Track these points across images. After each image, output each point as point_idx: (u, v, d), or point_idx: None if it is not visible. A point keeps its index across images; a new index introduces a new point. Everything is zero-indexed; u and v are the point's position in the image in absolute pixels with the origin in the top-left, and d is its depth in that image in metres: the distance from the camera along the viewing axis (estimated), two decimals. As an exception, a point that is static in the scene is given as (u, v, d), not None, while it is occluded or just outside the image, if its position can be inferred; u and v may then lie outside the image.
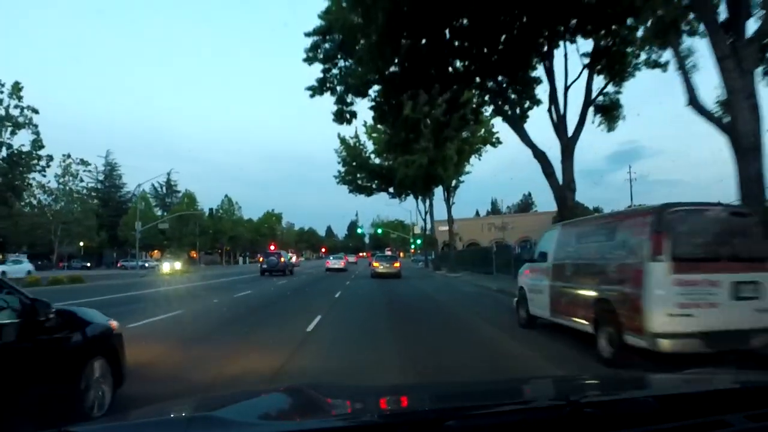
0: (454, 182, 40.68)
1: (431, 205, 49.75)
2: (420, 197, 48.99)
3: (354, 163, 45.81)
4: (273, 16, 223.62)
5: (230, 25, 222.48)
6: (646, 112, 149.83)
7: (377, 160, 44.58)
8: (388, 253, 77.53)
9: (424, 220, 52.60)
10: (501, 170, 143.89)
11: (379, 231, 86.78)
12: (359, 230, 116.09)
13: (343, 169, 46.86)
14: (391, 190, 47.13)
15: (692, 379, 2.32)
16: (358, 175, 47.40)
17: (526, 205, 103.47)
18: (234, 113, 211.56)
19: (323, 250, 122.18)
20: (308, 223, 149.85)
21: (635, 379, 2.50)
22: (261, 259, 40.68)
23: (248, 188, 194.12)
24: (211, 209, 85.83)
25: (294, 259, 63.59)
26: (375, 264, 31.81)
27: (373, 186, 48.27)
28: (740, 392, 1.81)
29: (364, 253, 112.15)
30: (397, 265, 31.63)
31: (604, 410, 1.49)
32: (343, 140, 44.73)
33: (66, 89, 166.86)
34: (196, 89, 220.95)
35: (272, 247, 55.74)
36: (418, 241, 55.60)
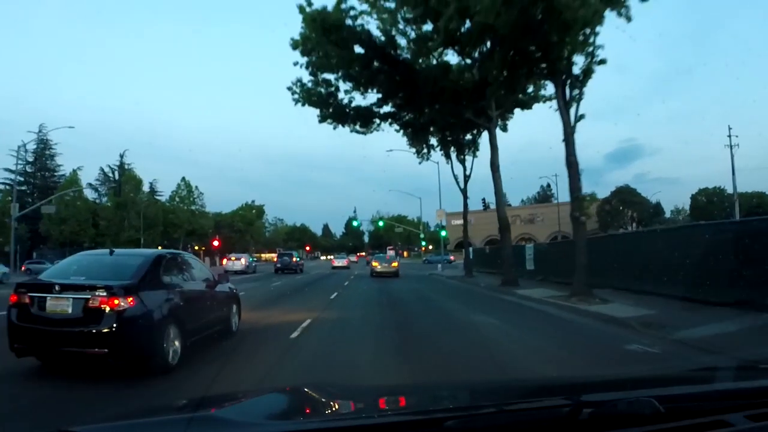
0: (581, 62, 15.37)
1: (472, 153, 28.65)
2: (458, 144, 28.14)
3: (331, 38, 20.02)
4: (272, 16, 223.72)
5: (230, 25, 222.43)
6: (646, 112, 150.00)
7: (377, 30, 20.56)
8: (391, 252, 73.93)
9: (464, 192, 29.60)
10: (505, 166, 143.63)
11: (381, 224, 71.16)
12: (354, 223, 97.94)
13: (307, 67, 21.78)
14: (402, 130, 26.87)
15: (692, 379, 2.32)
16: (338, 71, 22.06)
17: (544, 197, 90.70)
18: (234, 113, 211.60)
19: (307, 248, 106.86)
20: (308, 222, 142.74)
21: (635, 379, 2.50)
22: (224, 261, 43.41)
23: (248, 189, 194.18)
24: (172, 197, 70.23)
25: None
26: (374, 264, 33.18)
27: (375, 92, 23.28)
28: (740, 392, 1.80)
29: (364, 253, 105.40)
30: (395, 264, 33.15)
31: (604, 410, 1.49)
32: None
33: (64, 89, 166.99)
34: (195, 89, 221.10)
35: (216, 243, 53.95)
36: (443, 233, 40.92)
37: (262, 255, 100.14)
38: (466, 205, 30.79)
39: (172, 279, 6.95)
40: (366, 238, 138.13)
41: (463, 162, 29.19)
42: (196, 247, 72.24)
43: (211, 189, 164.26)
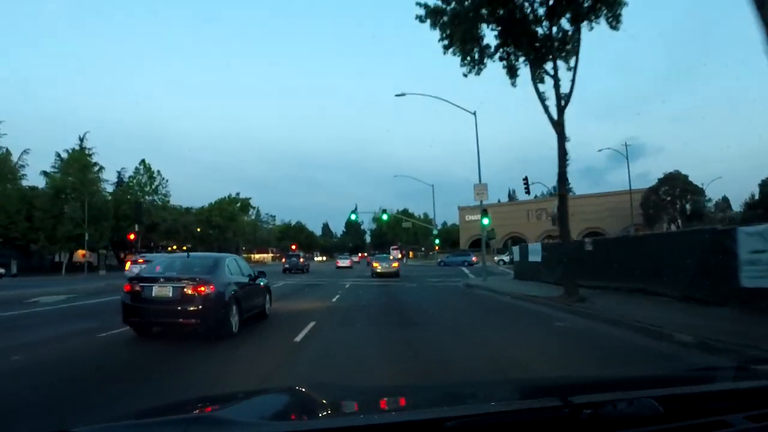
0: None
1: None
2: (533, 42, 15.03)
3: None
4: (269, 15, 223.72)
5: (231, 24, 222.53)
6: (647, 111, 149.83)
7: None
8: (395, 252, 69.95)
9: (559, 126, 14.55)
10: (510, 164, 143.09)
11: (385, 217, 57.37)
12: (353, 216, 68.52)
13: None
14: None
15: (692, 379, 2.32)
16: None
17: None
18: (233, 113, 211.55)
19: (293, 246, 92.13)
20: (307, 222, 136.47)
21: (635, 379, 2.50)
22: (127, 265, 34.94)
23: (249, 189, 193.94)
24: (120, 180, 58.14)
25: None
26: (375, 264, 33.75)
27: None
28: (740, 392, 1.80)
29: (366, 254, 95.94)
30: (395, 265, 33.67)
31: (604, 410, 1.49)
32: None
33: (65, 88, 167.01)
34: (195, 89, 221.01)
35: (132, 236, 39.22)
36: (485, 221, 25.45)
37: (253, 255, 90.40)
38: (562, 148, 14.74)
39: (231, 274, 9.83)
40: (368, 238, 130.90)
41: (555, 73, 14.67)
42: (175, 247, 59.87)
43: (210, 188, 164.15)
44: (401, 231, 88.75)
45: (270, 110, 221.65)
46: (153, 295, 8.54)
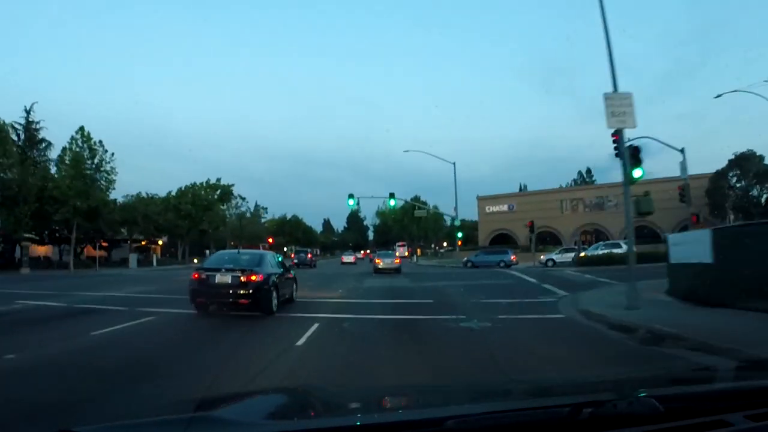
0: None
1: None
2: None
3: None
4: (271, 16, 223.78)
5: (232, 23, 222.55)
6: (652, 109, 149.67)
7: None
8: (401, 249, 66.00)
9: None
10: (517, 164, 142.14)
11: (392, 203, 48.35)
12: (350, 202, 46.33)
13: None
14: None
15: (692, 379, 2.32)
16: None
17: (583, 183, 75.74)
18: (233, 111, 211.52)
19: (270, 240, 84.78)
20: (310, 219, 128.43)
21: (635, 379, 2.50)
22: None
23: (249, 187, 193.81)
24: (60, 157, 45.54)
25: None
26: (377, 261, 34.02)
27: None
28: (740, 392, 1.81)
29: (369, 251, 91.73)
30: (397, 261, 33.71)
31: (604, 410, 1.49)
32: None
33: (65, 87, 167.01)
34: (194, 88, 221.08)
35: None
36: (637, 172, 11.22)
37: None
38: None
39: (271, 267, 12.28)
40: (371, 234, 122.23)
41: None
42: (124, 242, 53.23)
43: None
44: (410, 223, 76.91)
45: (272, 107, 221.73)
46: (216, 281, 11.11)
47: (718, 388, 1.90)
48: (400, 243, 76.37)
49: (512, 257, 39.03)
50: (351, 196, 40.55)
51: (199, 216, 60.37)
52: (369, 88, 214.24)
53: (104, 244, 54.54)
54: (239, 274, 11.04)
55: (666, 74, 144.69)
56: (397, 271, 31.73)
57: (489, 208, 63.44)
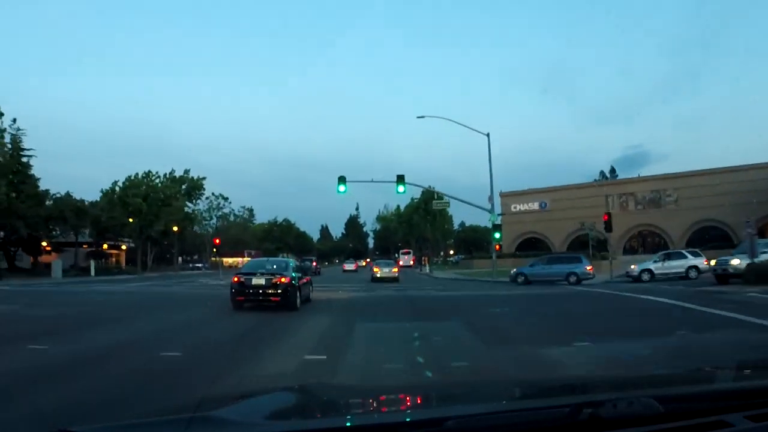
0: None
1: None
2: None
3: None
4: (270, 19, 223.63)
5: (232, 27, 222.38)
6: (651, 116, 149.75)
7: None
8: (405, 257, 63.56)
9: None
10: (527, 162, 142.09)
11: (402, 189, 32.51)
12: (340, 188, 30.69)
13: None
14: None
15: (692, 379, 2.32)
16: None
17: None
18: (233, 116, 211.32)
19: (252, 253, 75.18)
20: (307, 226, 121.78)
21: (635, 379, 2.50)
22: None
23: (248, 191, 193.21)
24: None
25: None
26: (375, 269, 34.05)
27: None
28: (740, 392, 1.81)
29: (369, 259, 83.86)
30: (395, 270, 33.57)
31: (604, 410, 1.49)
32: None
33: (66, 90, 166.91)
34: (194, 91, 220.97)
35: None
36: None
37: (225, 260, 64.70)
38: None
39: (295, 272, 14.71)
40: (371, 242, 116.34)
41: None
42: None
43: (207, 190, 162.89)
44: (421, 223, 63.28)
45: (270, 111, 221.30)
46: (253, 283, 13.76)
47: (718, 388, 1.90)
48: (404, 250, 69.13)
49: (587, 267, 26.32)
50: (341, 180, 30.29)
51: (152, 212, 48.33)
52: (369, 90, 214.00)
53: (47, 248, 45.72)
54: (272, 277, 13.73)
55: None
56: (395, 280, 31.40)
57: (515, 207, 50.17)
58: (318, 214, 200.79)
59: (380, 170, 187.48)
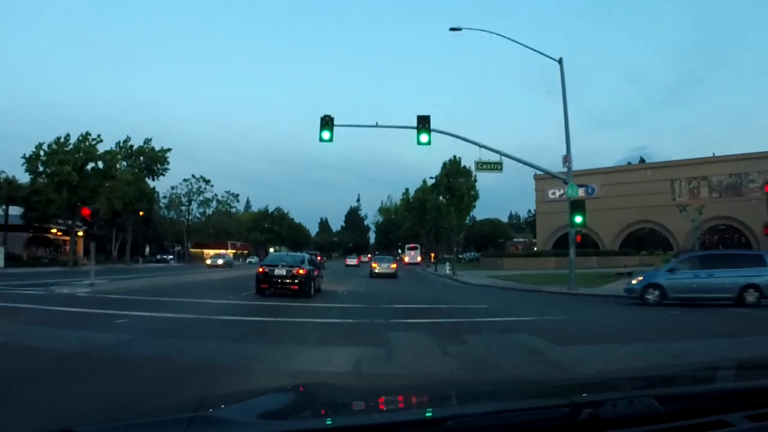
0: None
1: None
2: None
3: None
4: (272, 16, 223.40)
5: (231, 24, 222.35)
6: (654, 119, 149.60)
7: None
8: (412, 254, 60.12)
9: None
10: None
11: (424, 138, 20.15)
12: (324, 135, 19.78)
13: None
14: None
15: (692, 379, 2.32)
16: None
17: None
18: (232, 112, 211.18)
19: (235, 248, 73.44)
20: (307, 220, 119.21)
21: (635, 379, 2.50)
22: None
23: (250, 186, 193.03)
24: None
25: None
26: (373, 265, 34.36)
27: None
28: (740, 392, 1.80)
29: (371, 255, 75.49)
30: (393, 266, 33.76)
31: (603, 410, 1.49)
32: None
33: (66, 88, 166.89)
34: (194, 90, 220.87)
35: None
36: None
37: (206, 251, 59.62)
38: None
39: (309, 265, 16.99)
40: (372, 237, 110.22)
41: None
42: None
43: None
44: (438, 208, 44.27)
45: (275, 108, 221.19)
46: (275, 273, 16.06)
47: (718, 388, 1.90)
48: (411, 245, 61.19)
49: None
50: (325, 124, 20.30)
51: (87, 186, 37.89)
52: (370, 90, 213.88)
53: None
54: (291, 269, 15.99)
55: None
56: (393, 276, 32.05)
57: (552, 193, 39.28)
58: (317, 206, 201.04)
59: (383, 167, 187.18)
